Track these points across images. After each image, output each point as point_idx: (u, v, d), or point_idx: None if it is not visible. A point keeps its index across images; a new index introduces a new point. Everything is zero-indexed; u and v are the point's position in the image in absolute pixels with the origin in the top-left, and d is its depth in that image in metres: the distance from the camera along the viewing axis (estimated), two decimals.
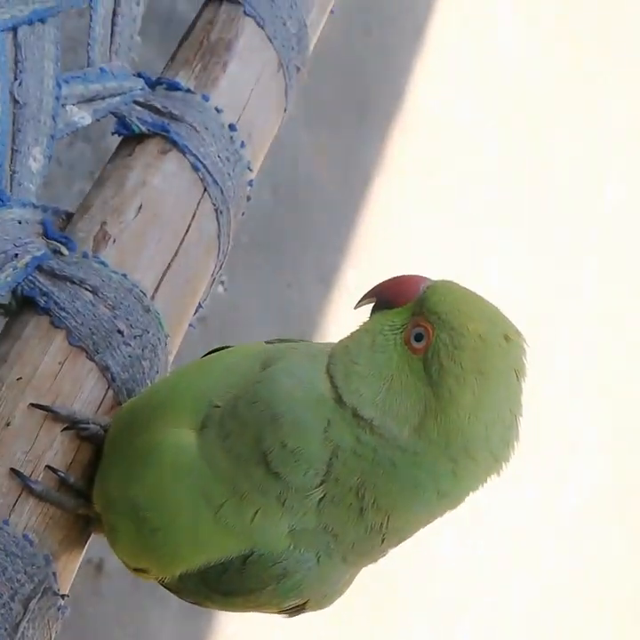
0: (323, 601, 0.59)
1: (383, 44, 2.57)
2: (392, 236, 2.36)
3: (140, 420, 0.61)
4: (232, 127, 0.82)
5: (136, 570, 0.60)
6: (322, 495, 0.54)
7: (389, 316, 0.56)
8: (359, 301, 0.60)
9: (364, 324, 0.58)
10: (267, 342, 0.63)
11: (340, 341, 0.58)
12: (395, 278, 0.59)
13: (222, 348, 0.65)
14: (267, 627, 1.79)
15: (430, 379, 0.53)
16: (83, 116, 0.76)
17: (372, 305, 0.59)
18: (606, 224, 2.87)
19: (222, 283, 1.99)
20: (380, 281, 0.59)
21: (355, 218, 2.36)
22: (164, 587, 0.60)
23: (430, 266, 2.37)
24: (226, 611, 0.61)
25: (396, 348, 0.55)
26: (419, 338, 0.54)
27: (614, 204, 2.93)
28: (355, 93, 2.44)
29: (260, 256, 2.10)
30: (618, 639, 2.45)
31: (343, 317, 2.21)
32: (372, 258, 2.32)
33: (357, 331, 0.57)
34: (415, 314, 0.55)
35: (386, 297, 0.58)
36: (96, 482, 0.64)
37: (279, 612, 0.60)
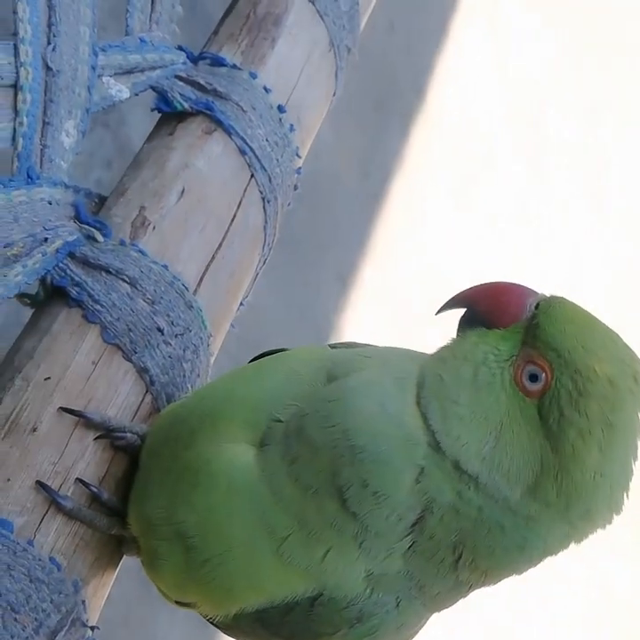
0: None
1: (406, 40, 2.51)
2: (412, 235, 2.30)
3: (185, 431, 0.53)
4: (281, 109, 0.75)
5: (179, 603, 0.53)
6: (409, 545, 0.47)
7: (491, 340, 0.48)
8: (443, 306, 0.52)
9: (458, 345, 0.49)
10: (331, 346, 0.56)
11: (431, 365, 0.49)
12: (493, 287, 0.50)
13: (275, 351, 0.58)
14: None
15: (548, 430, 0.45)
16: (120, 89, 0.69)
17: (461, 316, 0.51)
18: (616, 224, 2.82)
19: None
20: (470, 286, 0.51)
21: (374, 215, 2.30)
22: (213, 624, 0.53)
23: (450, 264, 2.32)
24: None
25: (503, 387, 0.46)
26: (533, 378, 0.46)
27: (626, 203, 2.87)
28: (377, 89, 2.39)
29: (277, 252, 2.03)
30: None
31: (362, 317, 2.14)
32: (391, 256, 2.26)
33: (451, 355, 0.48)
34: (527, 344, 0.47)
35: (482, 310, 0.49)
36: (132, 500, 0.56)
37: None
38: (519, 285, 0.49)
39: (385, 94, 2.40)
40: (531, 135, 2.67)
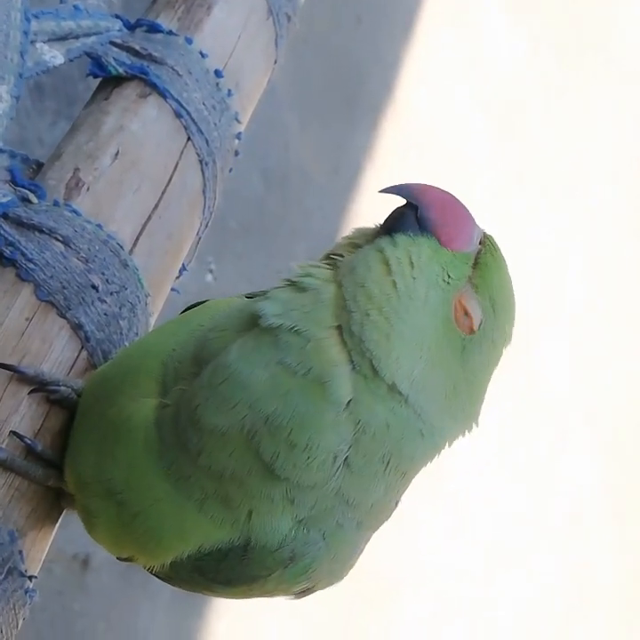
0: (334, 578, 0.52)
1: (373, 33, 2.52)
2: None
3: (110, 389, 0.53)
4: (218, 73, 0.76)
5: (120, 558, 0.53)
6: (342, 476, 0.47)
7: (444, 261, 0.48)
8: (391, 188, 0.49)
9: (412, 249, 0.47)
10: (248, 296, 0.55)
11: (374, 262, 0.47)
12: (448, 201, 0.49)
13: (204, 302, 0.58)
14: (260, 622, 1.72)
15: (465, 362, 0.48)
16: (54, 55, 0.70)
17: (399, 209, 0.49)
18: (592, 221, 2.82)
19: (211, 271, 1.93)
20: (423, 184, 0.50)
21: (346, 208, 2.31)
22: (155, 575, 0.53)
23: None
24: (225, 598, 0.54)
25: (443, 315, 0.47)
26: (467, 316, 0.48)
27: (600, 201, 2.88)
28: (345, 81, 2.39)
29: (250, 243, 2.04)
30: None
31: None
32: None
33: (407, 260, 0.47)
34: (472, 282, 0.48)
35: (433, 219, 0.48)
36: (67, 458, 0.56)
37: (284, 595, 0.53)
38: (467, 210, 0.50)
39: (353, 88, 2.40)
40: (503, 129, 2.68)
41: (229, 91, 0.77)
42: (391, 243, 0.48)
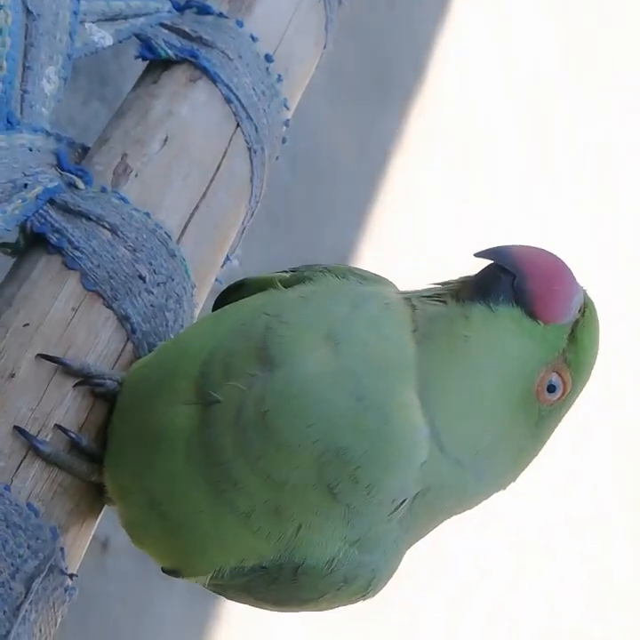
0: (382, 587, 0.51)
1: (407, 18, 2.49)
2: (409, 214, 2.29)
3: (149, 391, 0.51)
4: (268, 58, 0.74)
5: (164, 570, 0.52)
6: (400, 514, 0.46)
7: (530, 336, 0.45)
8: (485, 252, 0.46)
9: (488, 326, 0.45)
10: (290, 272, 0.52)
11: (446, 346, 0.45)
12: (550, 266, 0.46)
13: (239, 284, 0.56)
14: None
15: (537, 429, 0.47)
16: (103, 36, 0.67)
17: (491, 270, 0.46)
18: (619, 215, 2.79)
19: (237, 257, 1.91)
20: (523, 247, 0.46)
21: (373, 194, 2.29)
22: (208, 588, 0.51)
23: (449, 244, 2.30)
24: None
25: (523, 391, 0.46)
26: (551, 389, 0.47)
27: (628, 191, 2.85)
28: (376, 67, 2.36)
29: (276, 230, 2.02)
30: None
31: None
32: (389, 236, 2.25)
33: (480, 339, 0.45)
34: (563, 357, 0.46)
35: (530, 288, 0.45)
36: (106, 462, 0.54)
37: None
38: (570, 273, 0.47)
39: (384, 72, 2.38)
40: (533, 115, 2.64)
41: (279, 76, 0.75)
42: (464, 316, 0.46)
